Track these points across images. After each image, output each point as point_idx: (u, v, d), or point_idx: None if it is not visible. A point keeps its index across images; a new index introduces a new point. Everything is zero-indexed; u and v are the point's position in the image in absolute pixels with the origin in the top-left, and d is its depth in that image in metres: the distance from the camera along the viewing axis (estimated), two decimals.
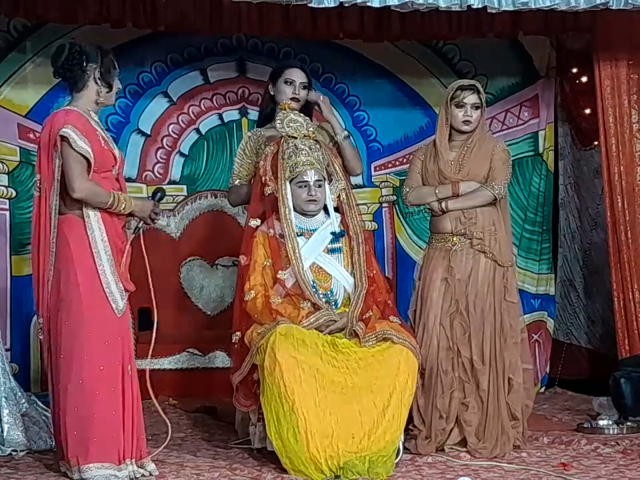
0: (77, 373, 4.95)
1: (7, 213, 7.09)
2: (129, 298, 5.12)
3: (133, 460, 5.05)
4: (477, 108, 5.73)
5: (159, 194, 5.27)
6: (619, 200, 6.70)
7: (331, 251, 5.49)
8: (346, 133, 6.09)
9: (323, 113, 6.02)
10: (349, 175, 5.98)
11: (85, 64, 5.00)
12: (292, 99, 5.89)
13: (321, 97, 6.05)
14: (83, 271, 4.98)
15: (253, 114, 7.21)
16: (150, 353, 5.15)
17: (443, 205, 5.71)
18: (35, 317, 6.85)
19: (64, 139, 4.92)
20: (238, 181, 6.01)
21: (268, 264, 5.43)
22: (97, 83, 5.03)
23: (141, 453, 5.09)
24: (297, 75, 5.96)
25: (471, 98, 5.72)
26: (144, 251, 5.15)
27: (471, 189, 5.71)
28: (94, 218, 4.99)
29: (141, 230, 5.17)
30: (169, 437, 5.24)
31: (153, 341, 5.17)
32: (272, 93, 6.00)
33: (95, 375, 4.95)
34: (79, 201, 4.97)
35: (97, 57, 5.02)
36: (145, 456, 5.12)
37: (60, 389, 5.00)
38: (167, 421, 5.23)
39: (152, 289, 5.15)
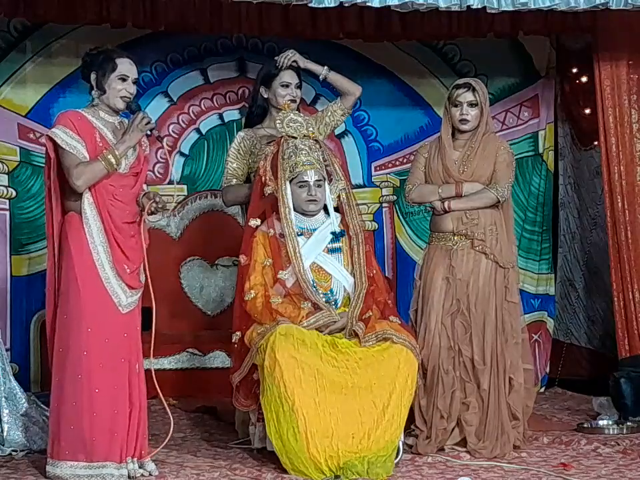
0: (75, 368, 4.96)
1: (7, 213, 7.08)
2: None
3: (135, 458, 5.05)
4: (473, 106, 5.70)
5: (132, 105, 5.11)
6: (619, 200, 6.70)
7: (331, 251, 5.49)
8: (325, 67, 6.08)
9: (301, 64, 6.00)
10: (353, 98, 6.03)
11: (88, 71, 5.08)
12: (291, 100, 5.90)
13: (289, 53, 6.00)
14: (82, 265, 4.99)
15: None
16: (151, 353, 5.14)
17: (446, 204, 5.70)
18: (35, 316, 6.90)
19: (53, 140, 4.99)
20: (235, 180, 6.00)
21: (268, 264, 5.43)
22: (94, 87, 5.09)
23: (141, 451, 5.08)
24: (291, 77, 5.98)
25: (466, 96, 5.70)
26: (144, 250, 5.13)
27: (474, 190, 5.70)
28: (90, 213, 4.99)
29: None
30: (169, 436, 5.22)
31: (152, 341, 5.15)
32: (265, 96, 6.00)
33: (93, 372, 4.95)
34: (78, 195, 4.98)
35: (98, 62, 5.06)
36: (146, 455, 5.11)
37: (57, 382, 5.02)
38: (171, 420, 5.21)
39: (151, 289, 5.13)
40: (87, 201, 5.00)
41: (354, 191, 5.76)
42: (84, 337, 4.96)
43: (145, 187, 5.26)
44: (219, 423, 6.33)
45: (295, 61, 5.97)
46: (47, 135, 5.05)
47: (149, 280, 5.12)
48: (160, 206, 5.14)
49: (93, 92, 5.10)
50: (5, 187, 7.07)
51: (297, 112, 5.68)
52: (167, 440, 5.22)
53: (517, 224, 7.42)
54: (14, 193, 7.08)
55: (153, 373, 5.13)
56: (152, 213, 5.17)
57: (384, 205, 7.69)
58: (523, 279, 7.44)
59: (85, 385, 4.95)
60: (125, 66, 5.08)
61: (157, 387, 5.13)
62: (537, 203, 7.67)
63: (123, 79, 5.06)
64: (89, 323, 4.96)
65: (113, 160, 4.98)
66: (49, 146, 5.03)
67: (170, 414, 5.19)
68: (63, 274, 5.04)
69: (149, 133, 5.14)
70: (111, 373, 4.99)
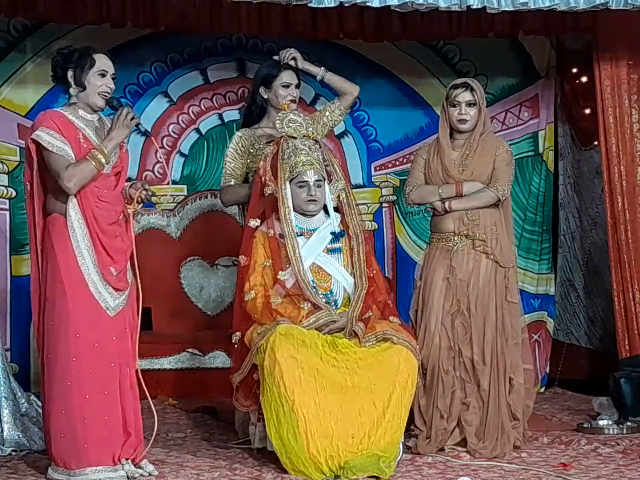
0: (64, 374, 4.89)
1: (7, 213, 7.09)
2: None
3: (129, 460, 5.00)
4: (471, 105, 5.70)
5: (113, 102, 5.05)
6: (619, 200, 6.70)
7: (331, 251, 5.49)
8: (322, 68, 6.09)
9: (299, 64, 6.01)
10: (351, 98, 6.06)
11: (65, 67, 5.00)
12: (291, 100, 5.91)
13: (290, 51, 6.01)
14: (67, 269, 4.91)
15: None
16: (136, 354, 5.08)
17: (447, 204, 5.70)
18: None
19: (37, 143, 4.91)
20: (233, 180, 6.00)
21: (268, 264, 5.43)
22: (72, 84, 5.01)
23: (136, 454, 5.04)
24: (291, 78, 5.99)
25: (464, 96, 5.70)
26: (133, 247, 5.08)
27: (474, 190, 5.70)
28: (75, 217, 4.92)
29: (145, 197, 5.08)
30: (154, 434, 5.16)
31: (137, 342, 5.09)
32: (265, 96, 6.01)
33: (83, 378, 4.88)
34: (62, 197, 4.92)
35: (74, 58, 4.98)
36: (141, 458, 5.06)
37: (46, 390, 4.96)
38: (155, 419, 5.13)
39: (139, 288, 5.08)
40: (72, 204, 4.91)
41: (354, 190, 5.76)
42: (72, 343, 4.88)
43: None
44: (218, 422, 6.32)
45: (293, 59, 5.98)
46: (30, 138, 4.92)
47: (138, 278, 5.05)
48: (149, 193, 5.07)
49: (71, 89, 5.01)
50: (5, 186, 7.08)
51: (296, 112, 5.68)
52: (151, 441, 5.17)
53: (516, 224, 7.43)
54: (14, 193, 7.09)
55: (139, 373, 5.10)
56: (141, 202, 5.09)
57: (384, 205, 7.69)
58: (522, 279, 7.44)
59: (75, 392, 4.88)
60: (103, 61, 5.00)
61: (144, 386, 5.08)
62: (537, 202, 7.67)
63: (102, 74, 4.98)
64: (77, 328, 4.88)
65: (103, 159, 4.91)
66: (32, 148, 4.92)
67: (155, 413, 5.12)
68: (49, 279, 4.95)
69: (135, 128, 5.09)
70: (101, 378, 4.91)
